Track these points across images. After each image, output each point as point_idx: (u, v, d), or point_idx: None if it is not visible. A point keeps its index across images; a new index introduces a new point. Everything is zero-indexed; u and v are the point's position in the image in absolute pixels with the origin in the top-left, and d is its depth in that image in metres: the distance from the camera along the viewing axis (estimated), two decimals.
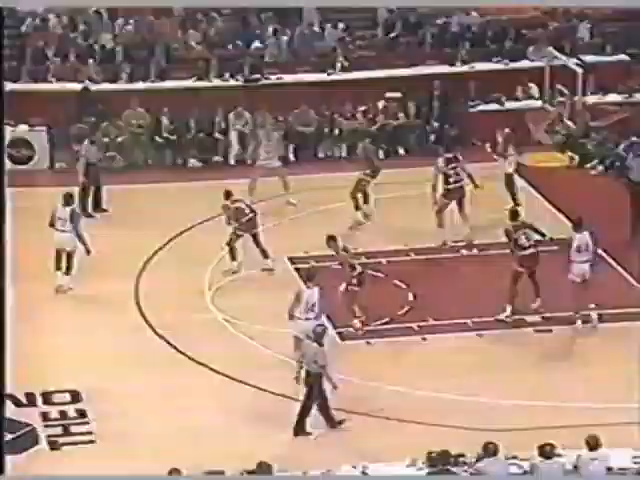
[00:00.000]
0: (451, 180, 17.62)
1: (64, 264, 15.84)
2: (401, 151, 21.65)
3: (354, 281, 15.03)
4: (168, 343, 14.94)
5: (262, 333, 14.99)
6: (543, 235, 15.88)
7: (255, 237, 16.77)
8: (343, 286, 15.11)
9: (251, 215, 16.71)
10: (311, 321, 13.58)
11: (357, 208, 18.22)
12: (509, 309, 15.37)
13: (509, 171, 18.90)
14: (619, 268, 16.67)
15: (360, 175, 18.33)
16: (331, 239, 15.50)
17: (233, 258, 16.69)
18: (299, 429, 12.83)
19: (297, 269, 16.70)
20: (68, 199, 16.07)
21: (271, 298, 15.64)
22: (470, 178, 17.79)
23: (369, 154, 18.93)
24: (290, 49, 22.61)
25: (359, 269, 15.13)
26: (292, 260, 17.12)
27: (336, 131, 21.69)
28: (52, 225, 15.91)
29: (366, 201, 18.36)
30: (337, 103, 21.57)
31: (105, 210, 19.00)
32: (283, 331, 14.57)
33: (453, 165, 17.68)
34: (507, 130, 19.04)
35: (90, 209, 18.82)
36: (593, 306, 15.25)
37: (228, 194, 16.97)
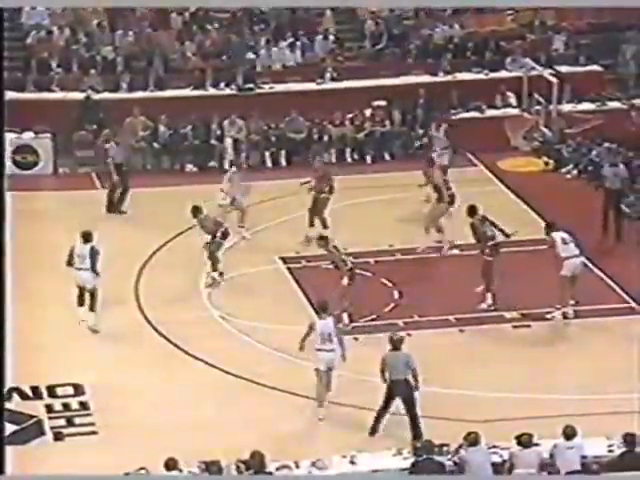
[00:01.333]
0: (452, 186, 17.55)
1: (87, 301, 14.79)
2: (387, 157, 21.60)
3: (345, 277, 14.93)
4: (167, 339, 14.86)
5: (256, 330, 14.93)
6: (504, 233, 15.78)
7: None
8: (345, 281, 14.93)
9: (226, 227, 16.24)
10: (333, 352, 12.93)
11: (312, 224, 17.50)
12: (490, 298, 15.28)
13: (445, 163, 18.89)
14: (592, 266, 16.64)
15: (322, 195, 17.54)
16: (322, 239, 15.37)
17: (214, 268, 16.19)
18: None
19: (289, 269, 16.73)
20: (87, 236, 14.80)
21: (264, 296, 15.61)
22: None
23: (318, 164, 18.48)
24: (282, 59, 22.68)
25: (349, 265, 15.00)
26: (284, 260, 17.09)
27: (325, 137, 21.66)
28: (70, 264, 14.71)
29: (324, 225, 17.47)
30: (326, 111, 21.55)
31: (124, 212, 18.77)
32: (276, 328, 14.62)
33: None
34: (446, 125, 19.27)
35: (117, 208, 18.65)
36: (572, 302, 15.21)
37: (197, 209, 16.27)
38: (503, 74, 22.55)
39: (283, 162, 21.46)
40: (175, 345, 14.73)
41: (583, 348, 14.64)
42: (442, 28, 23.19)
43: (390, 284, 16.13)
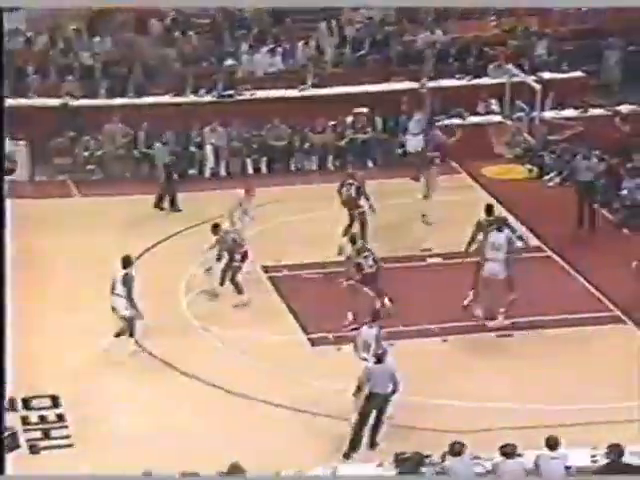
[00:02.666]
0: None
1: (127, 330, 14.42)
2: (369, 164, 21.47)
3: (358, 278, 14.93)
4: (146, 350, 14.83)
5: (238, 340, 14.92)
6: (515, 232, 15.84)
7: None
8: (345, 283, 15.09)
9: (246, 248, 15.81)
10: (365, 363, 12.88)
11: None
12: (479, 308, 15.32)
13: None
14: (574, 273, 16.74)
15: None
16: (353, 238, 15.15)
17: (239, 291, 15.81)
18: (372, 444, 12.57)
19: (270, 278, 16.73)
20: (125, 261, 14.44)
21: (246, 306, 15.63)
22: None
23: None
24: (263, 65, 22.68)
25: (369, 266, 15.00)
26: (265, 269, 17.05)
27: (307, 145, 21.60)
28: (113, 290, 14.40)
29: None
30: (308, 118, 21.45)
31: (180, 210, 18.90)
32: (257, 337, 14.68)
33: None
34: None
35: (167, 206, 18.87)
36: (502, 310, 15.16)
37: (217, 227, 16.00)
38: (485, 80, 22.52)
39: (264, 169, 21.39)
40: (155, 356, 14.66)
41: (567, 357, 14.60)
42: (424, 34, 23.28)
43: (372, 293, 15.87)
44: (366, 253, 15.34)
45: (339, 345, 14.76)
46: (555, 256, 17.51)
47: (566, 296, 15.91)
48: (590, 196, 18.19)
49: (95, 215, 19.11)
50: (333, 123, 21.67)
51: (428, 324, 15.29)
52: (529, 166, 21.30)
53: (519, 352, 14.80)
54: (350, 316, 14.97)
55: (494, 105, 22.23)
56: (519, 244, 15.63)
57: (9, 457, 11.08)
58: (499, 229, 15.24)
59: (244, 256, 15.90)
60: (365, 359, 12.98)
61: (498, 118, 21.81)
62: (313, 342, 15.04)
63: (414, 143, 19.37)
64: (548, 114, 21.70)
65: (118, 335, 14.52)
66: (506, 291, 15.12)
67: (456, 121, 21.65)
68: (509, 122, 21.54)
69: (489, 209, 15.90)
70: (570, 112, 22.01)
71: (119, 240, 17.66)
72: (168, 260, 17.24)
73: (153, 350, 14.76)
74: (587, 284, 16.49)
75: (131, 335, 14.53)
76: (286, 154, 21.54)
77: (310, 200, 18.95)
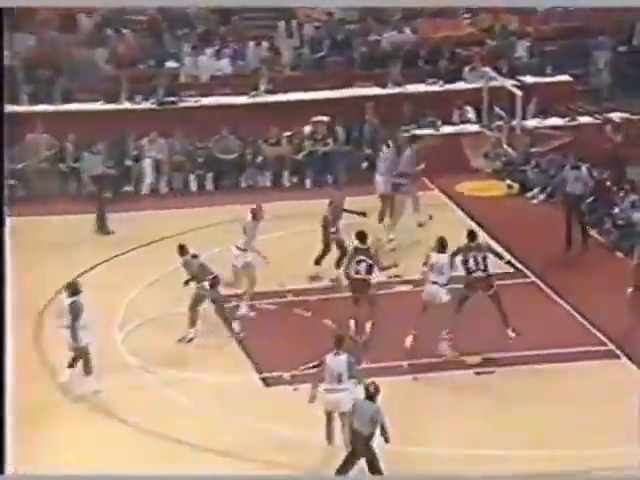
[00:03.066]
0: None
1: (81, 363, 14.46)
2: (330, 179, 21.83)
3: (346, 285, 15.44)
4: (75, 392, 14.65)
5: (180, 381, 14.85)
6: (501, 258, 16.12)
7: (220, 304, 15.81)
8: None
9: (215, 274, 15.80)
10: (339, 393, 13.03)
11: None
12: (446, 344, 15.38)
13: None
14: (561, 301, 16.87)
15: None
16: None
17: (192, 323, 15.79)
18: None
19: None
20: (72, 288, 14.48)
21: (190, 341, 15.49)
22: None
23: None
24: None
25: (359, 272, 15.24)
26: (214, 299, 16.46)
27: (260, 158, 21.71)
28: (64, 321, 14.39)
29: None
30: (261, 128, 21.65)
31: (110, 232, 18.87)
32: (202, 378, 14.63)
33: None
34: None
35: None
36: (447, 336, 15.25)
37: (183, 249, 16.05)
38: (460, 85, 22.83)
39: (210, 186, 21.47)
40: (86, 400, 14.49)
41: (554, 397, 14.61)
42: (390, 34, 23.41)
43: (335, 325, 16.12)
44: (360, 257, 15.46)
45: (297, 385, 14.73)
46: (540, 282, 17.61)
47: (553, 328, 16.00)
48: (580, 211, 18.38)
49: (14, 237, 18.81)
50: (289, 134, 21.97)
51: (397, 360, 15.32)
52: (509, 181, 21.60)
53: (501, 391, 14.85)
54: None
55: (470, 113, 22.56)
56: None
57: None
58: (441, 250, 15.33)
59: (213, 284, 15.74)
60: (342, 390, 12.86)
61: (475, 127, 22.19)
62: (267, 382, 15.03)
63: (382, 187, 18.87)
64: (531, 123, 22.15)
65: (71, 365, 14.50)
66: (450, 318, 15.20)
67: (428, 131, 21.99)
68: (487, 132, 21.89)
69: (471, 235, 15.79)
70: (555, 120, 22.41)
71: (39, 267, 17.38)
72: (99, 288, 16.99)
73: (85, 393, 14.58)
74: (576, 314, 16.59)
75: (87, 368, 14.40)
76: (236, 169, 21.73)
77: (264, 221, 19.00)
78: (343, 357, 13.18)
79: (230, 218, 18.69)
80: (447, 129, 22.20)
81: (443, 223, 18.60)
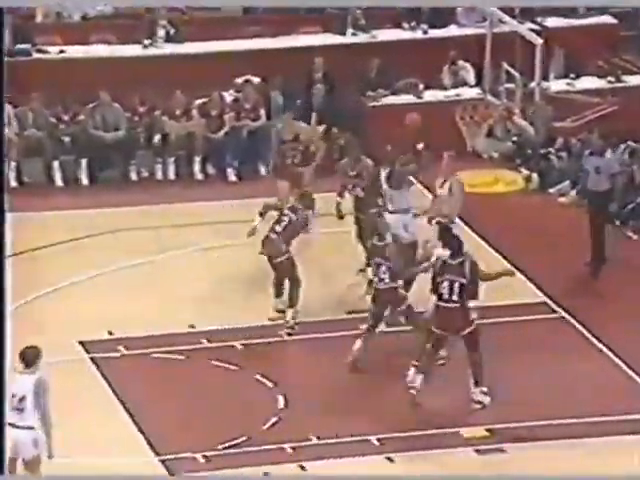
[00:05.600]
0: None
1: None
2: (262, 170, 21.71)
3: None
4: None
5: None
6: None
7: None
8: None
9: None
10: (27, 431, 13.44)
11: None
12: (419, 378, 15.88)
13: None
14: (608, 351, 17.07)
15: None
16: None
17: None
18: None
19: (95, 361, 16.87)
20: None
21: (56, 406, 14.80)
22: None
23: None
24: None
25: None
26: (86, 346, 17.12)
27: (158, 138, 21.51)
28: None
29: None
30: (160, 93, 21.57)
31: None
32: (79, 462, 14.68)
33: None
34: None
35: None
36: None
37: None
38: (452, 31, 22.97)
39: (84, 180, 21.31)
40: None
41: None
42: None
43: (269, 383, 16.33)
44: (380, 260, 16.40)
45: (214, 471, 14.96)
46: (571, 318, 17.76)
47: (587, 384, 16.21)
48: (604, 216, 18.69)
49: None
50: (202, 102, 21.83)
51: (364, 433, 15.45)
52: (525, 171, 21.57)
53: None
54: None
55: (467, 71, 22.59)
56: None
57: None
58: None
59: None
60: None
61: (474, 92, 22.21)
62: (169, 468, 15.13)
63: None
64: (556, 85, 22.28)
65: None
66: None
67: (406, 98, 22.06)
68: (492, 99, 21.80)
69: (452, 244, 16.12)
70: (592, 81, 22.54)
71: None
72: None
73: None
74: (622, 364, 16.73)
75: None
76: (122, 153, 21.59)
77: (163, 230, 19.19)
78: (29, 377, 13.67)
79: (113, 227, 18.91)
80: (433, 95, 22.29)
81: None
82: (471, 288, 15.57)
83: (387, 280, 16.33)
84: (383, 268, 16.33)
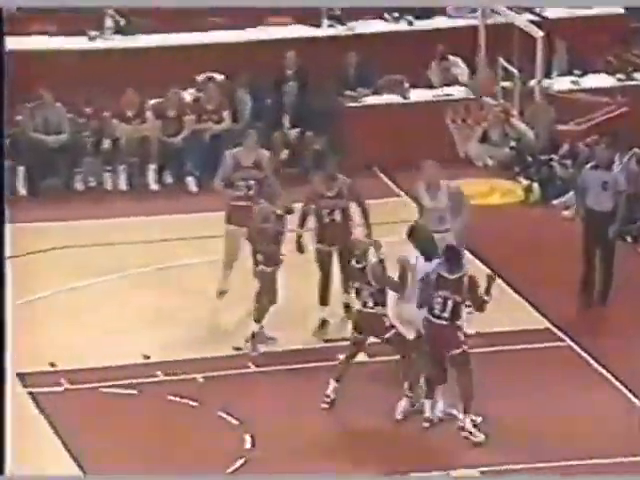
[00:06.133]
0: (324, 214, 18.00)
1: None
2: None
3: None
4: None
5: None
6: None
7: None
8: None
9: None
10: None
11: None
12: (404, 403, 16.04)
13: None
14: (619, 384, 17.03)
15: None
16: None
17: None
18: None
19: (34, 396, 16.77)
20: None
21: None
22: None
23: None
24: None
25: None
26: (24, 379, 16.92)
27: (107, 142, 21.36)
28: None
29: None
30: (110, 91, 21.48)
31: None
32: None
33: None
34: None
35: None
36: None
37: None
38: (441, 22, 23.00)
39: (21, 190, 21.40)
40: None
41: None
42: None
43: (235, 421, 16.28)
44: (359, 285, 16.40)
45: None
46: (578, 347, 17.74)
47: (593, 419, 16.13)
48: (607, 241, 18.36)
49: None
50: (158, 102, 21.87)
51: (341, 476, 15.49)
52: (524, 181, 21.50)
53: None
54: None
55: (458, 68, 22.59)
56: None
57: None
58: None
59: None
60: None
61: (465, 91, 22.21)
62: None
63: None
64: (559, 83, 22.24)
65: None
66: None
67: (390, 98, 22.12)
68: (486, 99, 21.91)
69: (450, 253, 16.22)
70: (600, 79, 22.55)
71: None
72: None
73: None
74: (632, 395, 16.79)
75: None
76: (67, 160, 21.55)
77: (112, 248, 19.24)
78: None
79: (54, 244, 19.05)
80: (420, 94, 22.25)
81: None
82: (476, 300, 15.78)
83: (371, 304, 16.26)
84: (365, 292, 16.24)
